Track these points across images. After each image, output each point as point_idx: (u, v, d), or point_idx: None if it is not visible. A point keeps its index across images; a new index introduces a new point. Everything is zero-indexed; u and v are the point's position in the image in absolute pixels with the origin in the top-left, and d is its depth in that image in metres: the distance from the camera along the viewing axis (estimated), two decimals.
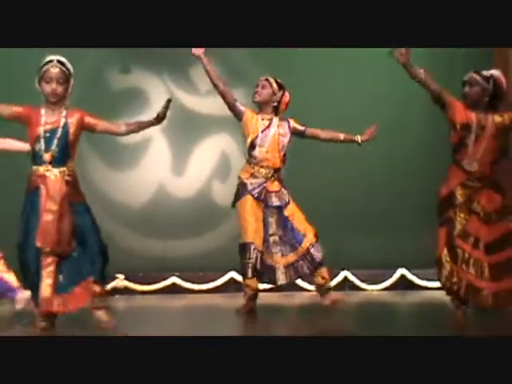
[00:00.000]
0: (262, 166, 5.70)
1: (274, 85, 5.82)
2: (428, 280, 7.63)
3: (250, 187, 5.68)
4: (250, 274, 5.58)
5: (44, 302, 4.68)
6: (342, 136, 5.92)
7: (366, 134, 5.90)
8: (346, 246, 7.84)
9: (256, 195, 5.65)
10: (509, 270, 5.06)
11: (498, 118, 5.16)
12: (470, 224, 5.06)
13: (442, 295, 7.14)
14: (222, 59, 8.09)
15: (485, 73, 5.26)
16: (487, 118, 5.13)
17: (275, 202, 5.67)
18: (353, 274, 7.66)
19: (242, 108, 5.81)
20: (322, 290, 5.81)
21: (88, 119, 4.89)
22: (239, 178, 5.77)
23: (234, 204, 5.79)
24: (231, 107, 5.82)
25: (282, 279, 5.68)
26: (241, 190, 5.73)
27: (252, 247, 5.55)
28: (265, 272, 5.66)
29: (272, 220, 5.69)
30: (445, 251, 5.09)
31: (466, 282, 5.02)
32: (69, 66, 4.88)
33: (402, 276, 7.70)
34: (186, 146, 8.09)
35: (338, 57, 7.65)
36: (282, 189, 5.76)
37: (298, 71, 7.83)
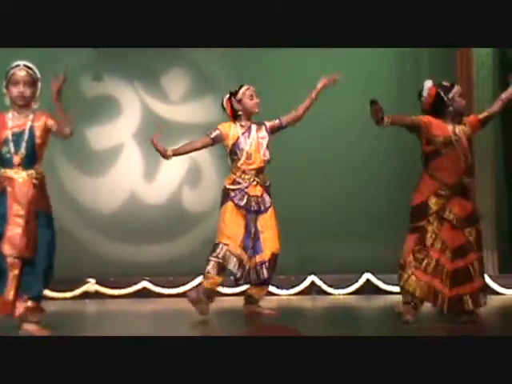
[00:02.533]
0: (244, 172, 5.76)
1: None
2: (393, 285, 7.74)
3: (231, 194, 5.75)
4: (209, 268, 5.64)
5: (4, 304, 4.73)
6: (312, 96, 6.00)
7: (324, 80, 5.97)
8: (313, 251, 7.98)
9: (237, 201, 5.72)
10: (468, 276, 5.19)
11: (465, 128, 5.32)
12: (443, 232, 5.16)
13: None
14: (193, 68, 8.23)
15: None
16: (458, 129, 5.28)
17: (254, 206, 5.74)
18: (320, 279, 7.77)
19: (217, 132, 5.84)
20: (252, 301, 5.89)
21: (48, 122, 4.90)
22: (223, 186, 5.86)
23: (220, 210, 5.88)
24: (213, 143, 5.87)
25: (253, 279, 5.76)
26: (224, 196, 5.82)
27: (222, 247, 5.64)
28: (243, 273, 5.71)
29: (252, 224, 5.75)
30: (410, 257, 5.19)
31: (424, 284, 5.13)
32: (35, 70, 4.94)
33: (368, 281, 7.83)
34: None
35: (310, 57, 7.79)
36: (264, 194, 5.81)
37: (267, 73, 7.94)
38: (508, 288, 7.65)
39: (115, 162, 8.14)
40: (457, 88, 5.34)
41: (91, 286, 7.54)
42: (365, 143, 8.11)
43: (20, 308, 4.77)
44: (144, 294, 7.59)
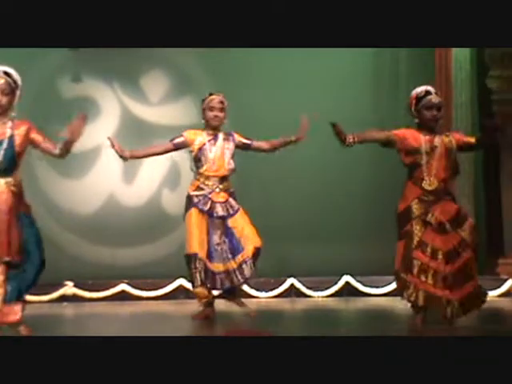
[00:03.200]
0: (207, 178, 5.77)
1: (226, 104, 5.87)
2: (371, 287, 7.81)
3: (195, 200, 5.76)
4: (197, 282, 5.66)
5: None
6: (286, 141, 5.98)
7: (298, 132, 5.94)
8: (293, 253, 8.00)
9: (200, 207, 5.73)
10: (465, 276, 5.23)
11: (445, 139, 5.34)
12: (425, 235, 5.20)
13: (385, 301, 7.37)
14: (172, 70, 8.22)
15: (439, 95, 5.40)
16: (436, 139, 5.30)
17: (219, 212, 5.75)
18: (299, 281, 7.79)
19: (181, 138, 5.82)
20: (236, 297, 5.91)
21: (34, 135, 4.88)
22: (187, 192, 5.85)
23: (184, 217, 5.88)
24: (175, 149, 5.87)
25: (219, 285, 5.77)
26: (187, 203, 5.82)
27: (196, 258, 5.65)
28: (207, 278, 5.74)
29: (217, 230, 5.77)
30: (401, 264, 5.24)
31: (423, 292, 5.17)
32: (16, 77, 4.88)
33: (347, 283, 7.86)
34: None
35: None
36: (230, 199, 5.82)
37: (247, 75, 7.95)
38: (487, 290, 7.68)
39: (94, 163, 8.10)
40: (426, 100, 5.31)
41: (69, 288, 7.50)
42: (348, 148, 8.12)
43: (19, 312, 4.80)
44: (123, 296, 7.56)
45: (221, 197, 5.77)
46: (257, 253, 5.80)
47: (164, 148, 5.93)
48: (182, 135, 5.84)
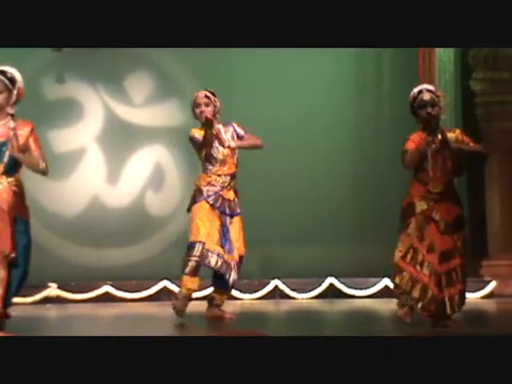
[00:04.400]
0: (219, 175, 5.77)
1: (213, 97, 5.84)
2: (356, 288, 7.82)
3: (205, 194, 5.75)
4: (187, 270, 5.62)
5: None
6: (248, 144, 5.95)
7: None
8: (277, 255, 8.00)
9: (211, 202, 5.73)
10: (454, 278, 5.26)
11: (451, 135, 5.34)
12: (427, 230, 5.23)
13: (369, 303, 7.39)
14: (156, 71, 8.22)
15: (435, 90, 5.35)
16: (439, 138, 5.31)
17: (228, 210, 5.76)
18: (283, 283, 7.79)
19: (197, 135, 5.76)
20: (214, 304, 5.87)
21: (31, 140, 4.86)
22: (196, 185, 5.83)
23: (189, 208, 5.84)
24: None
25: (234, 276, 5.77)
26: (197, 195, 5.79)
27: (199, 246, 5.62)
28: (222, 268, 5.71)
29: (229, 226, 5.77)
30: (404, 255, 5.26)
31: (420, 285, 5.20)
32: (11, 74, 4.83)
33: (331, 285, 7.86)
34: (120, 157, 8.16)
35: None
36: (236, 199, 5.84)
37: (231, 75, 7.96)
38: (470, 292, 7.71)
39: (77, 165, 8.08)
40: (419, 99, 5.30)
41: (53, 290, 7.47)
42: (326, 145, 8.16)
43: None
44: (106, 298, 7.54)
45: (231, 194, 5.80)
46: (240, 261, 5.81)
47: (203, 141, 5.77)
48: (194, 134, 5.78)
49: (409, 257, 5.23)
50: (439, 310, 5.22)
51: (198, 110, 5.81)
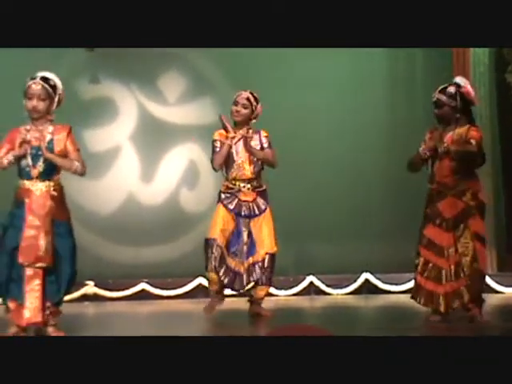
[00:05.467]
0: (235, 179, 5.81)
1: (254, 102, 5.85)
2: (391, 284, 7.79)
3: (223, 197, 5.83)
4: (210, 267, 5.71)
5: (30, 313, 4.79)
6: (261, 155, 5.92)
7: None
8: (312, 251, 8.00)
9: (227, 205, 5.79)
10: (463, 271, 5.23)
11: (459, 130, 5.31)
12: (428, 231, 5.24)
13: (404, 299, 7.35)
14: (190, 69, 8.25)
15: (451, 89, 5.33)
16: (449, 134, 5.29)
17: (245, 211, 5.79)
18: (318, 279, 7.78)
19: (218, 143, 5.80)
20: (253, 300, 5.89)
21: (68, 144, 4.92)
22: (220, 189, 5.93)
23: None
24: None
25: (241, 285, 5.79)
26: (218, 199, 5.90)
27: (213, 243, 5.69)
28: (235, 279, 5.76)
29: (245, 229, 5.80)
30: (421, 270, 5.28)
31: (423, 289, 5.20)
32: (54, 82, 4.92)
33: (367, 280, 7.84)
34: (155, 155, 8.21)
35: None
36: (258, 199, 5.84)
37: (264, 75, 7.96)
38: (506, 286, 7.66)
39: (113, 163, 8.14)
40: (434, 98, 5.34)
41: (90, 288, 7.54)
42: (359, 144, 8.16)
43: (44, 314, 4.87)
44: (143, 295, 7.59)
45: (249, 196, 5.81)
46: (270, 259, 5.80)
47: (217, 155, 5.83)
48: (216, 140, 5.80)
49: (416, 263, 5.25)
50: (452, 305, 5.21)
51: (233, 108, 5.83)
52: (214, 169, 5.90)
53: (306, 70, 8.16)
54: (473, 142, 5.26)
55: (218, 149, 5.81)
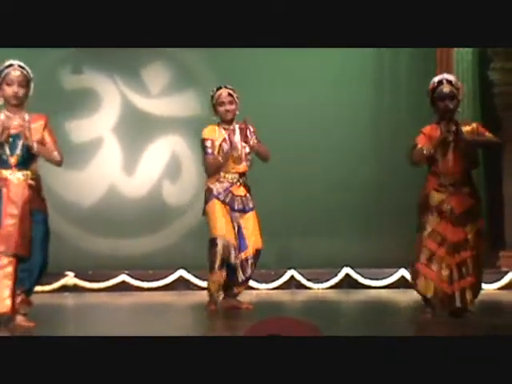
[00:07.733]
0: (227, 172, 5.78)
1: (235, 95, 5.82)
2: (372, 279, 7.82)
3: (215, 192, 5.77)
4: (216, 267, 5.66)
5: (1, 303, 4.74)
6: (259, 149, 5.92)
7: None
8: (293, 245, 8.02)
9: (222, 198, 5.75)
10: (465, 271, 5.24)
11: (467, 128, 5.30)
12: (439, 225, 5.23)
13: (384, 294, 7.39)
14: (173, 62, 8.22)
15: (458, 83, 5.29)
16: (452, 129, 5.27)
17: (238, 205, 5.78)
18: (299, 273, 7.80)
19: (209, 142, 5.75)
20: (231, 294, 5.89)
21: (45, 133, 4.90)
22: (206, 185, 5.85)
23: (203, 212, 5.86)
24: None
25: (236, 280, 5.80)
26: (207, 195, 5.82)
27: (219, 241, 5.65)
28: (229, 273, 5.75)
29: (235, 223, 5.80)
30: (419, 256, 5.25)
31: (432, 284, 5.19)
32: (28, 70, 4.93)
33: (347, 275, 7.86)
34: (137, 147, 8.19)
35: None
36: (248, 195, 5.85)
37: (247, 68, 7.95)
38: (488, 283, 7.69)
39: (95, 155, 8.12)
40: (438, 90, 5.25)
41: (70, 279, 7.52)
42: (344, 141, 8.18)
43: (14, 303, 4.81)
44: (123, 287, 7.58)
45: (241, 190, 5.81)
46: (257, 254, 5.85)
47: (214, 161, 5.79)
48: (206, 139, 5.79)
49: (422, 256, 5.23)
50: (451, 304, 5.21)
51: (222, 109, 5.79)
52: (207, 174, 5.84)
53: (290, 68, 8.16)
54: (488, 134, 5.31)
55: (209, 149, 5.78)
